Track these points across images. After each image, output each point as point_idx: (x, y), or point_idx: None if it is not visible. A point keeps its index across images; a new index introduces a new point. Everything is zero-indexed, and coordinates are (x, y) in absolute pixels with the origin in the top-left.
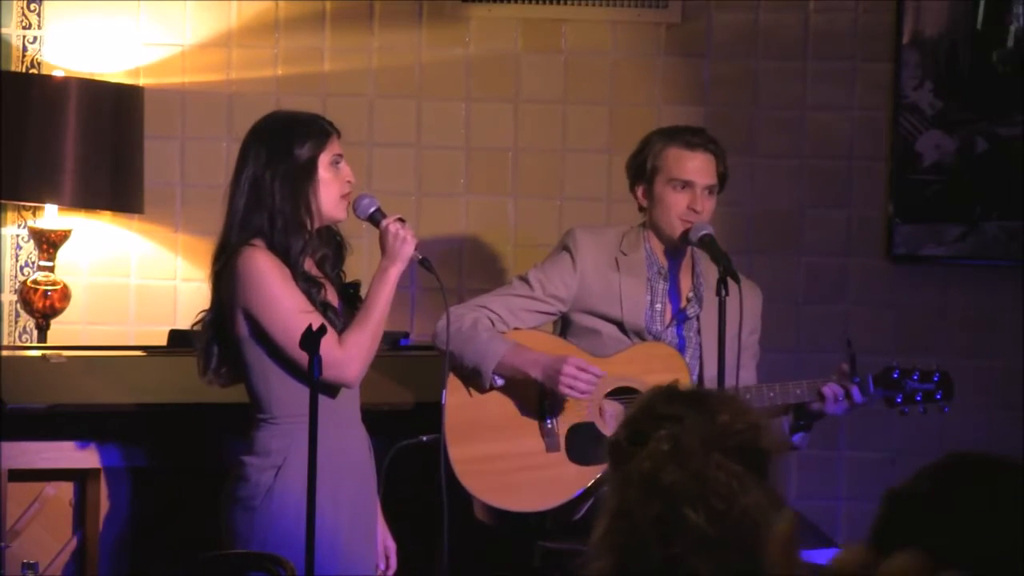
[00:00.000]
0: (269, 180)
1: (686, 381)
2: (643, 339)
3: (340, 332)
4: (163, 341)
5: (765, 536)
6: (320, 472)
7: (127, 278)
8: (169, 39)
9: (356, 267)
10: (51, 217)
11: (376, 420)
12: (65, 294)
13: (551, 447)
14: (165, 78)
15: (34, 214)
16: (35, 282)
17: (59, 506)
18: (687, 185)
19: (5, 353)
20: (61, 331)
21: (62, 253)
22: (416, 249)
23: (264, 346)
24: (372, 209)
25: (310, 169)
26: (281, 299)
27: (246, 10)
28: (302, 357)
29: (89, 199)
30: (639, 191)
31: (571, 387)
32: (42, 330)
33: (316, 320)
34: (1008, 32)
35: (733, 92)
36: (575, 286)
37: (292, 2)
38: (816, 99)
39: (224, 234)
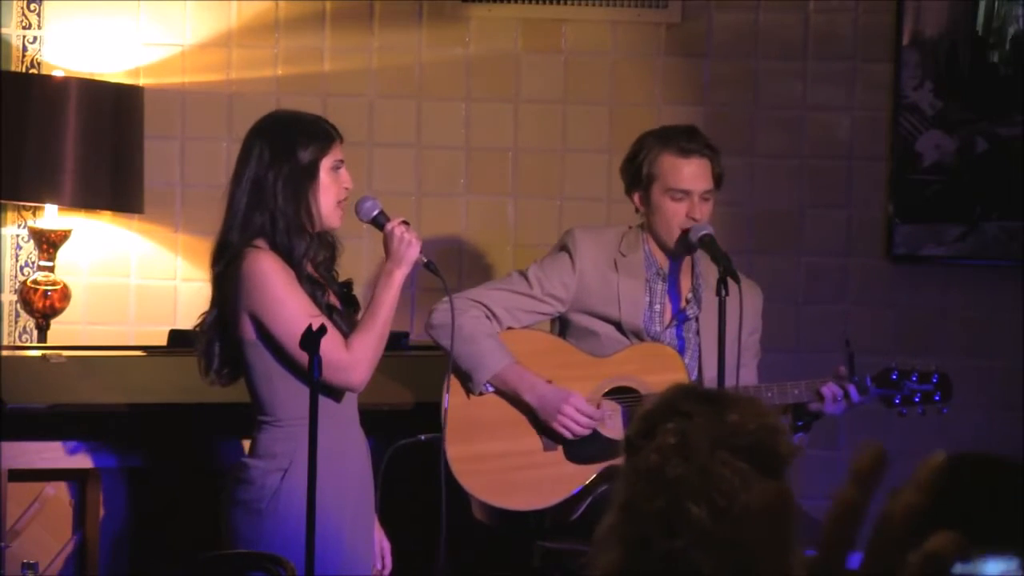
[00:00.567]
0: (272, 181)
1: (685, 380)
2: (642, 340)
3: (345, 335)
4: (163, 341)
5: (768, 534)
6: (324, 474)
7: (127, 278)
8: (169, 39)
9: (356, 267)
10: (51, 217)
11: (376, 420)
12: (65, 294)
13: (549, 446)
14: (165, 78)
15: (34, 214)
16: (35, 282)
17: (59, 506)
18: (685, 194)
19: (5, 353)
20: (61, 331)
21: (62, 253)
22: (421, 252)
23: (270, 349)
24: (375, 212)
25: (312, 172)
26: (287, 302)
27: (246, 10)
28: (307, 360)
29: (89, 199)
30: (636, 197)
31: (567, 428)
32: (42, 330)
33: (328, 322)
34: (1007, 34)
35: (733, 92)
36: (574, 287)
37: (292, 2)
38: (816, 99)
39: (224, 232)
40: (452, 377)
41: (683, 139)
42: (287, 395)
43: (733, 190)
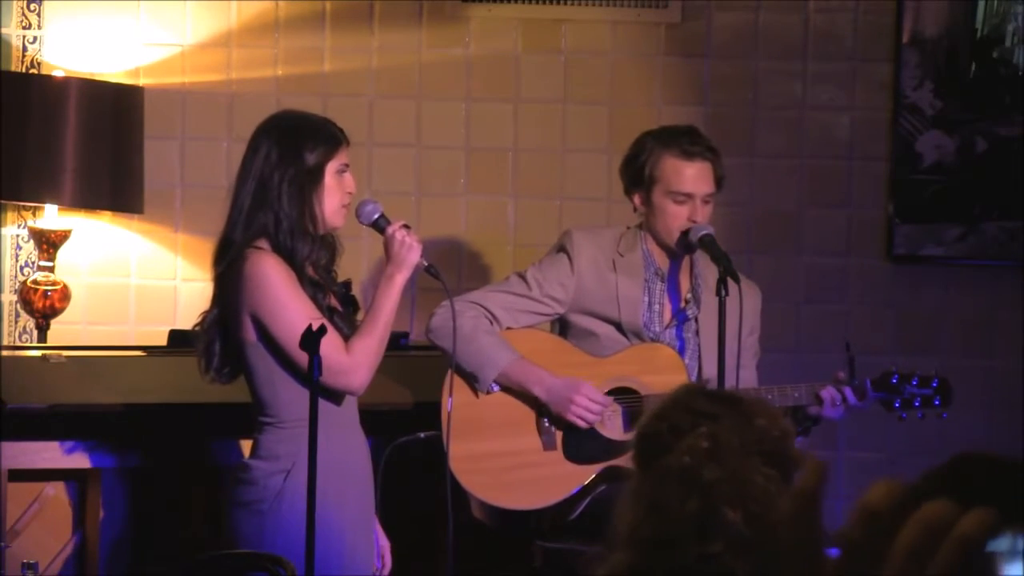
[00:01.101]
0: (276, 182)
1: (685, 381)
2: (642, 340)
3: (346, 337)
4: (163, 341)
5: (791, 540)
6: (326, 476)
7: (127, 278)
8: (169, 39)
9: (355, 268)
10: (51, 217)
11: (376, 420)
12: (65, 294)
13: (548, 446)
14: (165, 78)
15: (34, 214)
16: (35, 282)
17: (59, 506)
18: (687, 197)
19: (5, 353)
20: (61, 331)
21: (62, 253)
22: (422, 256)
23: (271, 350)
24: (376, 216)
25: (317, 175)
26: (288, 305)
27: (246, 10)
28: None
29: (89, 199)
30: (636, 197)
31: (581, 417)
32: (42, 330)
33: (328, 326)
34: (1007, 33)
35: (733, 92)
36: (572, 288)
37: (292, 2)
38: (816, 99)
39: (227, 230)
40: (454, 378)
41: (685, 141)
42: (289, 396)
43: (733, 190)
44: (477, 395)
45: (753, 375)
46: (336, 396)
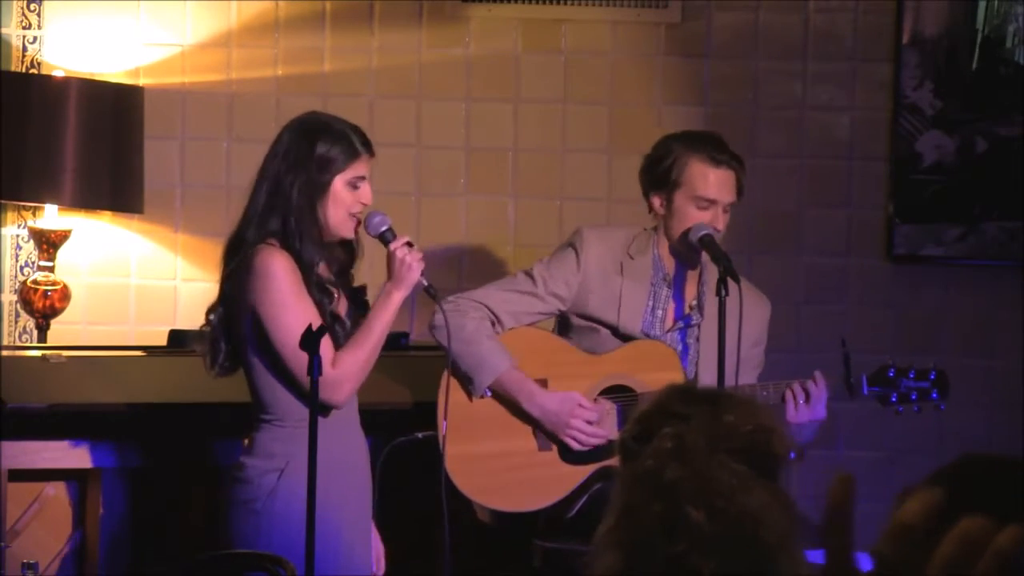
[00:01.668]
0: (288, 185)
1: (680, 380)
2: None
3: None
4: (163, 341)
5: (769, 536)
6: (323, 475)
7: (127, 278)
8: (169, 39)
9: (357, 272)
10: (51, 217)
11: (375, 420)
12: (65, 294)
13: (543, 446)
14: (165, 78)
15: (34, 214)
16: (35, 282)
17: (59, 506)
18: (711, 203)
19: (5, 353)
20: (61, 331)
21: (62, 253)
22: (422, 274)
23: (269, 348)
24: (383, 228)
25: (324, 186)
26: (289, 304)
27: (246, 10)
28: (299, 366)
29: (89, 199)
30: (656, 200)
31: (576, 441)
32: (42, 330)
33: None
34: (1007, 33)
35: (733, 92)
36: (576, 286)
37: (292, 2)
38: (816, 99)
39: (241, 228)
40: (445, 376)
41: (713, 148)
42: (285, 395)
43: None
44: (478, 398)
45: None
46: (321, 405)
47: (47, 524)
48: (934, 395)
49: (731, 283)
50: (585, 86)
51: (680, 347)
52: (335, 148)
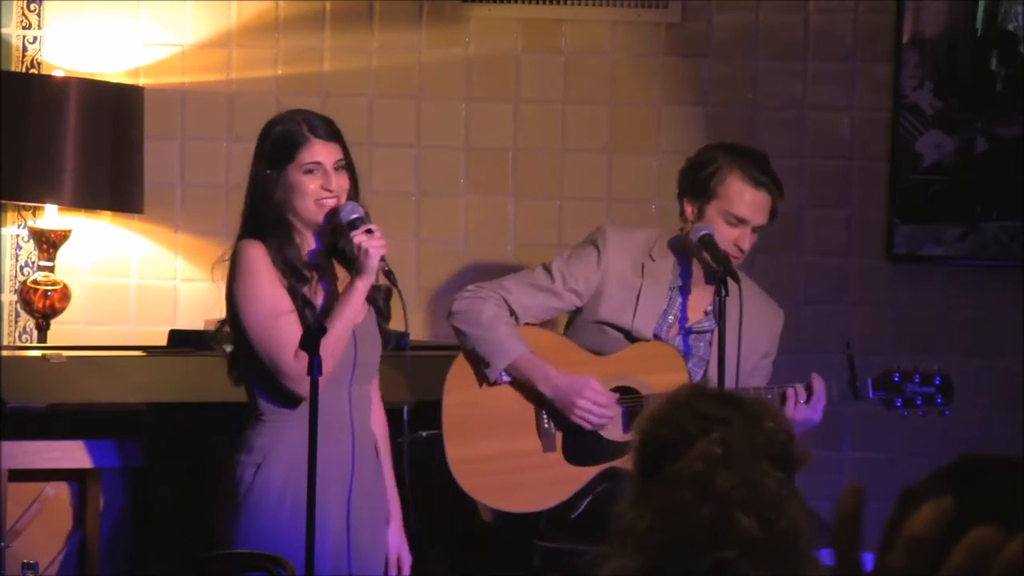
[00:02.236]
0: (254, 181)
1: (685, 381)
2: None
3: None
4: (163, 341)
5: (804, 543)
6: (297, 470)
7: (127, 278)
8: (169, 39)
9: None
10: (51, 217)
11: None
12: (65, 294)
13: (548, 447)
14: (165, 78)
15: (34, 214)
16: (35, 282)
17: (59, 506)
18: (741, 221)
19: (5, 353)
20: (61, 331)
21: (62, 253)
22: (383, 260)
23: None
24: (353, 216)
25: (281, 176)
26: (258, 297)
27: (246, 10)
28: (265, 355)
29: (89, 199)
30: (689, 207)
31: (584, 419)
32: (42, 330)
33: (286, 324)
34: (1007, 33)
35: (733, 92)
36: (595, 284)
37: (292, 2)
38: (816, 99)
39: (238, 233)
40: (450, 376)
41: (756, 168)
42: (265, 389)
43: None
44: (481, 386)
45: None
46: (288, 397)
47: (47, 524)
48: (939, 400)
49: (732, 284)
50: (585, 86)
51: (684, 350)
52: (283, 138)
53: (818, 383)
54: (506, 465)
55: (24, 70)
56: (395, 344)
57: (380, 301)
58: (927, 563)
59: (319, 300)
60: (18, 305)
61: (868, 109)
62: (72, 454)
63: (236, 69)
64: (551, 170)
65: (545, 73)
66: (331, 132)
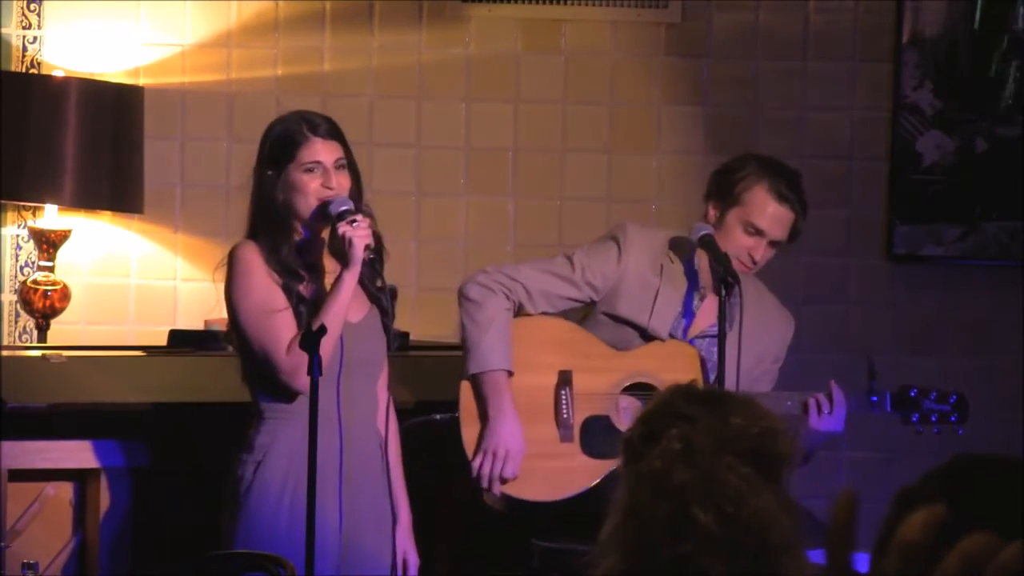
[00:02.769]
0: (256, 183)
1: (702, 382)
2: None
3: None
4: (163, 341)
5: (776, 538)
6: (298, 466)
7: (127, 278)
8: (169, 39)
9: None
10: (51, 217)
11: None
12: (65, 294)
13: (565, 437)
14: (165, 78)
15: (34, 214)
16: (35, 282)
17: (59, 506)
18: (758, 232)
19: (5, 353)
20: (61, 331)
21: (62, 253)
22: (367, 249)
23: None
24: (342, 208)
25: (282, 175)
26: (251, 296)
27: (246, 10)
28: (259, 351)
29: (89, 199)
30: (712, 208)
31: (480, 465)
32: (42, 330)
33: (280, 321)
34: (1007, 34)
35: (733, 92)
36: (613, 279)
37: (292, 2)
38: (816, 99)
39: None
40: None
41: (785, 184)
42: (264, 388)
43: None
44: (466, 377)
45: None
46: (284, 393)
47: (47, 524)
48: (953, 418)
49: (731, 284)
50: (585, 86)
51: (703, 353)
52: (283, 138)
53: (837, 392)
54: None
55: (24, 70)
56: (401, 344)
57: (384, 300)
58: (920, 568)
59: (314, 297)
60: (18, 305)
61: (868, 109)
62: (72, 454)
63: (236, 69)
64: (551, 170)
65: (545, 73)
66: (331, 131)
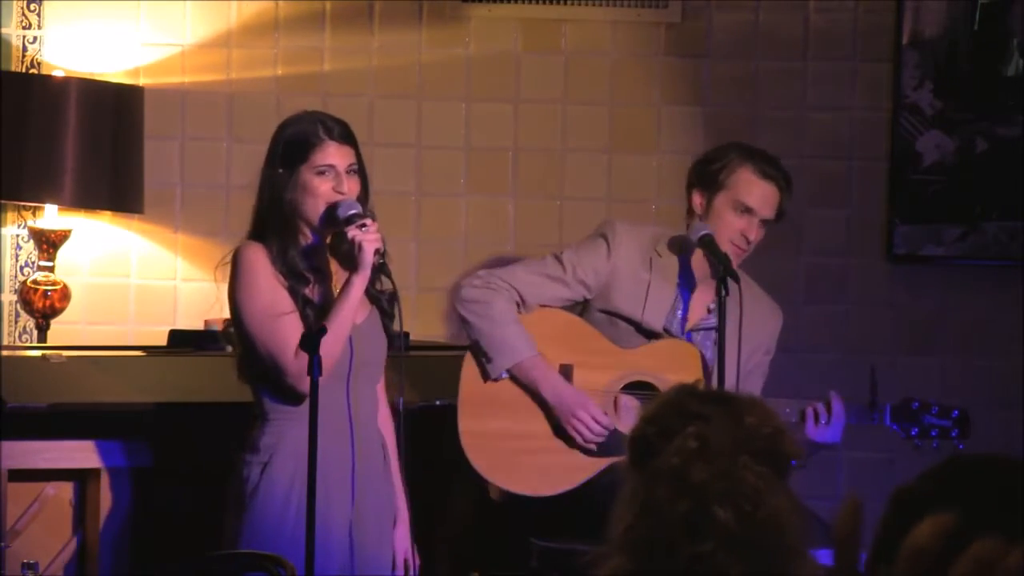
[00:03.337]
0: (265, 182)
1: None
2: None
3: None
4: (163, 341)
5: (789, 538)
6: (301, 468)
7: (127, 278)
8: (169, 39)
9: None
10: (51, 217)
11: None
12: (65, 294)
13: (560, 431)
14: (165, 78)
15: (34, 214)
16: (35, 282)
17: (59, 506)
18: (748, 211)
19: (5, 353)
20: (61, 331)
21: (62, 253)
22: (377, 253)
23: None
24: (351, 212)
25: (292, 176)
26: (257, 298)
27: (246, 10)
28: (266, 354)
29: (89, 199)
30: (698, 199)
31: (579, 433)
32: (42, 330)
33: (287, 324)
34: (1010, 44)
35: (733, 92)
36: (604, 276)
37: (292, 2)
38: (816, 99)
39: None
40: (468, 355)
41: (767, 163)
42: (270, 389)
43: None
44: (493, 379)
45: (757, 390)
46: (291, 395)
47: (47, 524)
48: (954, 433)
49: (732, 283)
50: (585, 86)
51: (702, 349)
52: (297, 139)
53: (836, 403)
54: (516, 445)
55: (24, 70)
56: (403, 346)
57: (385, 303)
58: (929, 574)
59: (320, 300)
60: (18, 305)
61: (868, 109)
62: (72, 454)
63: (236, 69)
64: (551, 170)
65: (545, 73)
66: (345, 135)
